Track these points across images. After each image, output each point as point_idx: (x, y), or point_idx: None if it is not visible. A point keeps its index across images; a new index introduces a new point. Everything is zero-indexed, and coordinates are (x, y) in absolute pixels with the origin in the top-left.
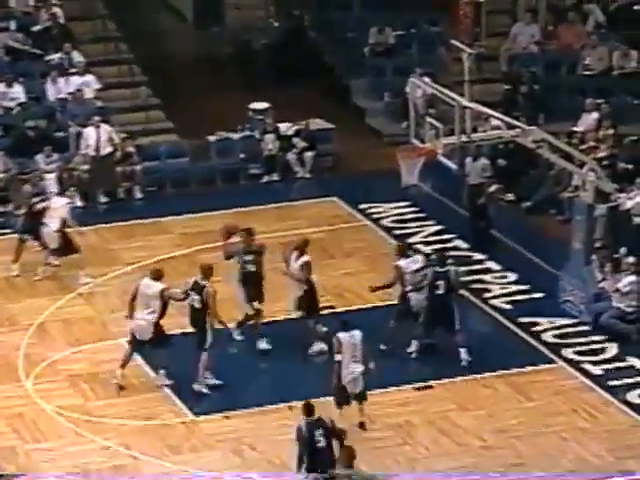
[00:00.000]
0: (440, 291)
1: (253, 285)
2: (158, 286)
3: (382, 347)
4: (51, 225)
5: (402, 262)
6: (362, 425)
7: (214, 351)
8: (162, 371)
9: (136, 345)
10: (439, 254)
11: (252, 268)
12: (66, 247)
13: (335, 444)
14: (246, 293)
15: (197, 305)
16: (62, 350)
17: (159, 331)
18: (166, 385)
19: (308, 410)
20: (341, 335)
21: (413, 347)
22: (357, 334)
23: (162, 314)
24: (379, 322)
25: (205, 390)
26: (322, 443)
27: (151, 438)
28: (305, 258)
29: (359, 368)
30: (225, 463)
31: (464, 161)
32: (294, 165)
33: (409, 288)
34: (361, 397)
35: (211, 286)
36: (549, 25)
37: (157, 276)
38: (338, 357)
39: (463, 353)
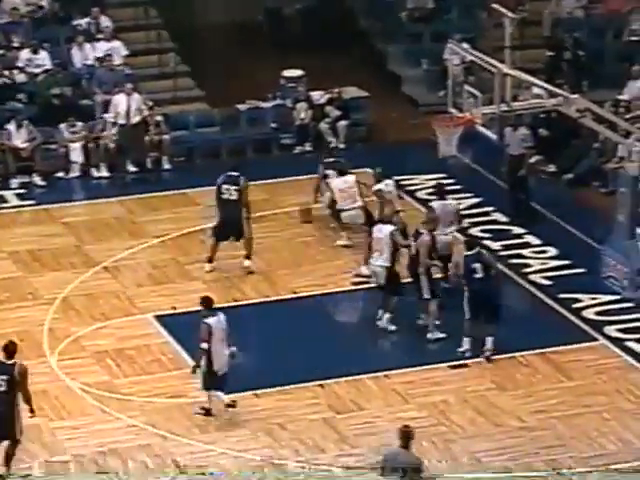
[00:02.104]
0: (479, 274)
1: None
2: (388, 228)
3: (420, 322)
4: None
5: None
6: (233, 404)
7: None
8: (387, 315)
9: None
10: (466, 239)
11: None
12: None
13: None
14: None
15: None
16: (87, 325)
17: (392, 276)
18: (391, 331)
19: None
20: (211, 321)
21: (466, 345)
22: (223, 317)
23: (393, 259)
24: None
25: (441, 335)
26: None
27: (178, 416)
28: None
29: (227, 351)
30: (254, 442)
31: (504, 131)
32: (327, 135)
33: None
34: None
35: (427, 234)
36: None
37: (388, 220)
38: (205, 345)
39: (489, 343)
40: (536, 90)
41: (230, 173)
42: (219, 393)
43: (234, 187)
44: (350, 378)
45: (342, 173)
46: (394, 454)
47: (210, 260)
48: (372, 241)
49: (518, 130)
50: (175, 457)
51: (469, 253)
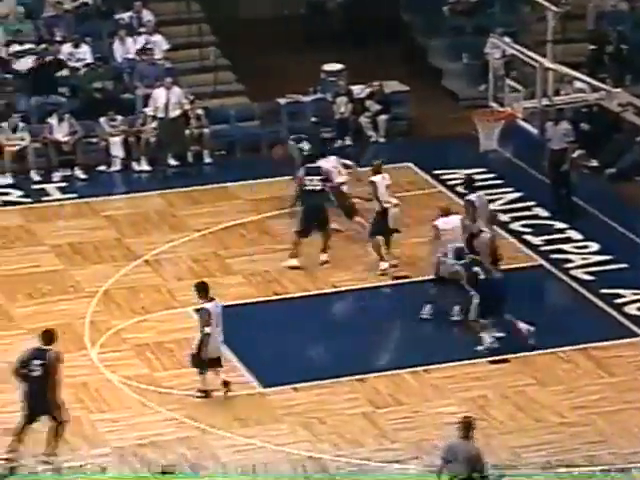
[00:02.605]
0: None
1: None
2: (455, 219)
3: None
4: None
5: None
6: (227, 384)
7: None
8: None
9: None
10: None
11: None
12: None
13: None
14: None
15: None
16: (128, 318)
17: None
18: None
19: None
20: (209, 306)
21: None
22: (219, 303)
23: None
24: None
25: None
26: None
27: (218, 410)
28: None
29: (221, 336)
30: (293, 437)
31: (545, 126)
32: (367, 129)
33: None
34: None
35: (488, 232)
36: None
37: (447, 212)
38: (208, 329)
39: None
40: (578, 84)
41: (310, 165)
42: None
43: (317, 178)
44: (389, 373)
45: (377, 172)
46: (457, 444)
47: (295, 255)
48: (438, 235)
49: (560, 124)
50: (214, 451)
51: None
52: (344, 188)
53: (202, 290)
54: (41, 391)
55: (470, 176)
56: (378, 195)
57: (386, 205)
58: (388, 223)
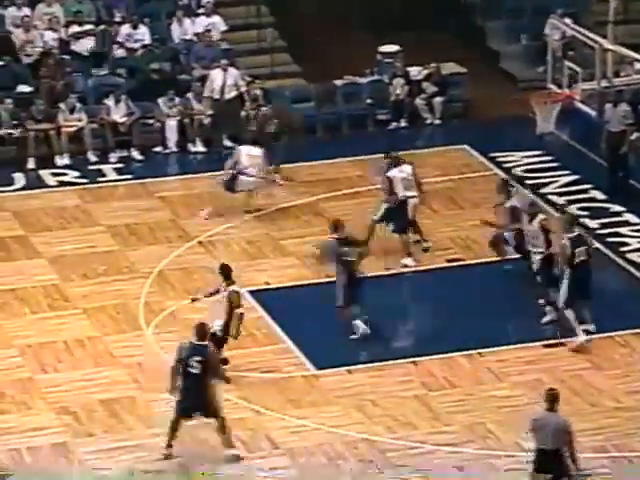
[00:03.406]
0: (583, 257)
1: None
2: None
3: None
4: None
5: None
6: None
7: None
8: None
9: None
10: (565, 215)
11: None
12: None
13: None
14: None
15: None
16: (182, 299)
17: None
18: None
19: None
20: (237, 287)
21: (548, 317)
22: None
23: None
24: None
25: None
26: None
27: (271, 391)
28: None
29: None
30: (346, 419)
31: (604, 108)
32: (422, 111)
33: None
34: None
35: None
36: None
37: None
38: (241, 310)
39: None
40: (638, 65)
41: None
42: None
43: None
44: (443, 356)
45: (397, 163)
46: (544, 416)
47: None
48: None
49: (619, 106)
50: (268, 432)
51: (572, 235)
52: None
53: (229, 273)
54: (198, 388)
55: (504, 179)
56: (395, 190)
57: (402, 198)
58: (408, 215)
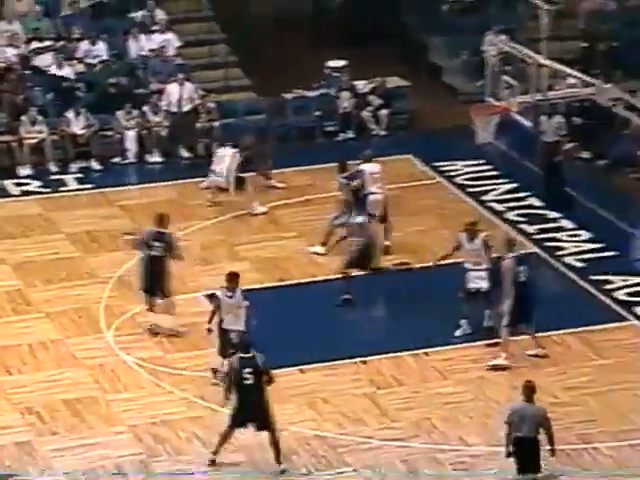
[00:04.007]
0: (525, 277)
1: None
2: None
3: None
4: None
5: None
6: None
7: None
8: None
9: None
10: (507, 240)
11: None
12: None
13: None
14: None
15: None
16: (141, 303)
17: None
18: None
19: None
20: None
21: (460, 331)
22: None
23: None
24: (452, 279)
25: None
26: None
27: None
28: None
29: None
30: (299, 416)
31: (539, 119)
32: (369, 123)
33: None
34: None
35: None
36: None
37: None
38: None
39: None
40: (571, 80)
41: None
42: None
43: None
44: (391, 355)
45: (369, 161)
46: (521, 407)
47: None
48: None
49: (553, 118)
50: (224, 429)
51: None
52: None
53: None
54: (253, 399)
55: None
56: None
57: (367, 193)
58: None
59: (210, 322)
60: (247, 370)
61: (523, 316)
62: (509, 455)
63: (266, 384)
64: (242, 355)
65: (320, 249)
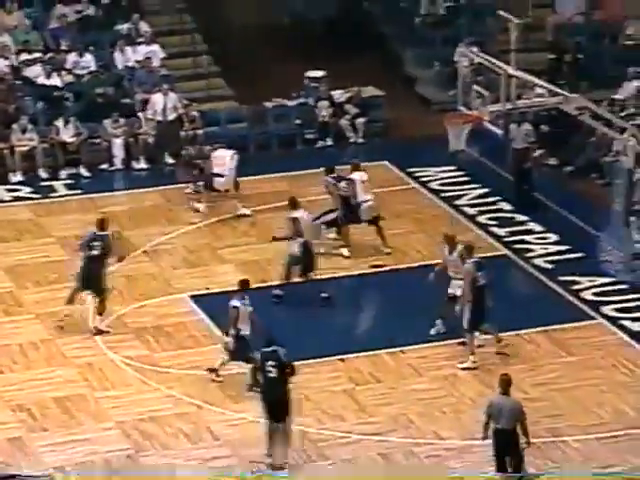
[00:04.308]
0: (484, 281)
1: None
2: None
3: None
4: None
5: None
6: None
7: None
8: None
9: None
10: (466, 245)
11: None
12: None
13: None
14: None
15: None
16: (128, 304)
17: None
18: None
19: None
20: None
21: (435, 330)
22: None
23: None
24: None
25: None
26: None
27: (212, 387)
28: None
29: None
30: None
31: (509, 127)
32: (347, 130)
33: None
34: None
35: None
36: None
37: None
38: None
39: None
40: (539, 90)
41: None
42: None
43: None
44: (369, 353)
45: (357, 168)
46: (498, 400)
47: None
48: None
49: (522, 126)
50: (209, 425)
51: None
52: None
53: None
54: (276, 392)
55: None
56: (355, 192)
57: (359, 201)
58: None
59: (230, 332)
60: (270, 363)
61: (484, 318)
62: (484, 439)
63: (289, 376)
64: (265, 349)
65: (345, 251)
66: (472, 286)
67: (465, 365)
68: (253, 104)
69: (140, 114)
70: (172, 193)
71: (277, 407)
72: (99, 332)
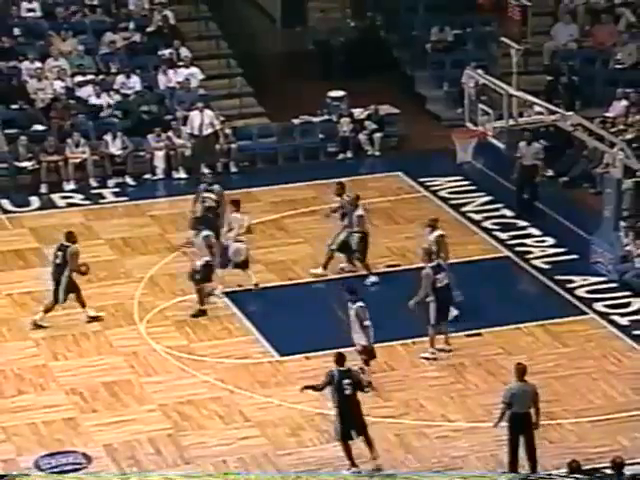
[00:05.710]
0: (444, 282)
1: None
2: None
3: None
4: None
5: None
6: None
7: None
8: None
9: None
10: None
11: None
12: None
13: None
14: None
15: None
16: (169, 299)
17: None
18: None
19: (340, 360)
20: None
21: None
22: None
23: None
24: None
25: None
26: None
27: (243, 374)
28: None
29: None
30: (305, 397)
31: (513, 142)
32: (365, 144)
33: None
34: None
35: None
36: (586, 25)
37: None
38: (368, 322)
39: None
40: (537, 108)
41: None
42: None
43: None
44: (384, 344)
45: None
46: (518, 386)
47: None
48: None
49: (532, 145)
50: (240, 408)
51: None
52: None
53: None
54: (352, 409)
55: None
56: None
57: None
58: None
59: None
60: (346, 382)
61: (444, 316)
62: (497, 425)
63: (368, 365)
64: (340, 368)
65: (320, 271)
66: (432, 288)
67: (425, 355)
68: (282, 120)
69: (181, 128)
70: None
71: (351, 425)
72: (37, 327)
